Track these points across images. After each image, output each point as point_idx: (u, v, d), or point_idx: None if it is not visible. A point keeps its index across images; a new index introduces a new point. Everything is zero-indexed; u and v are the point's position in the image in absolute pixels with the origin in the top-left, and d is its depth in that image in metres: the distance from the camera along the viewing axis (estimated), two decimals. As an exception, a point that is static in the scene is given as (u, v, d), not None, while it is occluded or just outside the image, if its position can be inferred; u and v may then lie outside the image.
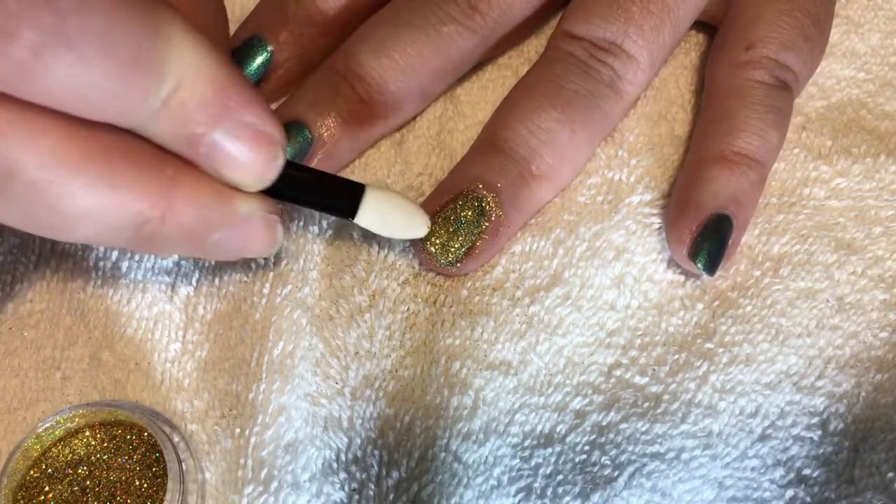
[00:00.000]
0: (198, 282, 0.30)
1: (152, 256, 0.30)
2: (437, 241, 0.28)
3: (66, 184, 0.19)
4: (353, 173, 0.32)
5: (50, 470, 0.26)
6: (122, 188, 0.20)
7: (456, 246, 0.28)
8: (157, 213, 0.21)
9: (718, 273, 0.30)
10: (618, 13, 0.30)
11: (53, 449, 0.27)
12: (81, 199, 0.20)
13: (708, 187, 0.28)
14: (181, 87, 0.20)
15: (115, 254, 0.30)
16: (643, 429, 0.28)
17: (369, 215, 0.26)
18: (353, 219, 0.26)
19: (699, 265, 0.28)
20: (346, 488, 0.27)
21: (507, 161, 0.29)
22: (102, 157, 0.20)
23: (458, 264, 0.29)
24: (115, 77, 0.19)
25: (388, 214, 0.26)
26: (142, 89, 0.19)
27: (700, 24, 0.34)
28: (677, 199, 0.30)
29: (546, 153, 0.29)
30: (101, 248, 0.30)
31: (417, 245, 0.29)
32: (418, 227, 0.27)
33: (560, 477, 0.27)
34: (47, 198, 0.19)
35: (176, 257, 0.30)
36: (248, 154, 0.22)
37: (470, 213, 0.28)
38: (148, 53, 0.19)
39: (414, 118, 0.33)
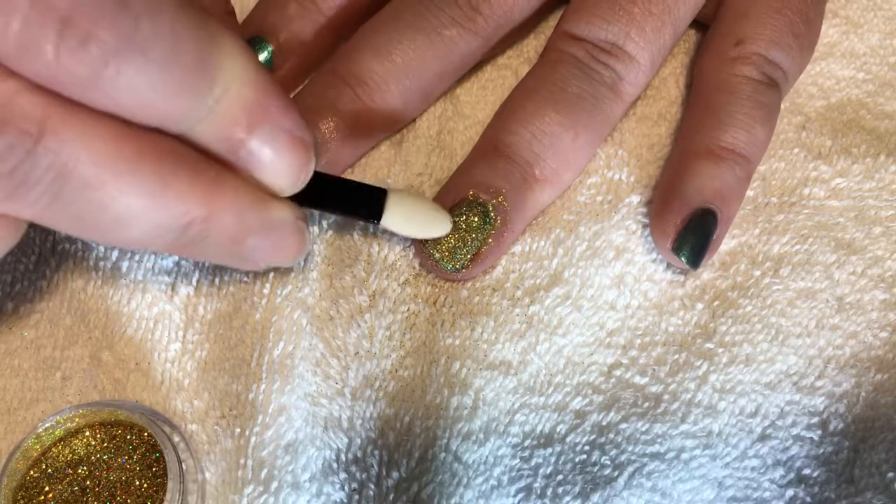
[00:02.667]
0: (198, 282, 0.30)
1: (152, 256, 0.30)
2: (444, 248, 0.28)
3: (120, 182, 0.19)
4: (352, 173, 0.32)
5: (50, 470, 0.26)
6: (171, 187, 0.20)
7: (462, 252, 0.28)
8: (202, 212, 0.21)
9: (718, 273, 0.30)
10: (619, 14, 0.29)
11: (53, 449, 0.27)
12: (133, 198, 0.20)
13: (693, 182, 0.29)
14: (228, 93, 0.20)
15: (115, 253, 0.30)
16: (643, 429, 0.28)
17: (394, 218, 0.27)
18: (378, 223, 0.27)
19: (682, 259, 0.28)
20: (346, 488, 0.27)
21: (510, 166, 0.29)
22: (153, 157, 0.20)
23: (464, 270, 0.29)
24: (177, 82, 0.19)
25: (411, 215, 0.27)
26: (197, 94, 0.20)
27: (700, 25, 0.34)
28: (663, 192, 0.30)
29: (549, 157, 0.29)
30: (102, 248, 0.30)
31: (423, 252, 0.29)
32: (440, 225, 0.28)
33: (560, 477, 0.27)
34: (100, 197, 0.19)
35: (176, 257, 0.30)
36: (284, 158, 0.22)
37: (476, 219, 0.28)
38: (206, 59, 0.20)
39: (414, 119, 0.33)
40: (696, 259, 0.29)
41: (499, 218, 0.28)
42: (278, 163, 0.22)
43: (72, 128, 0.19)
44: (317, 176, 0.25)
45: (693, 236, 0.28)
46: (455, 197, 0.29)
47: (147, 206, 0.20)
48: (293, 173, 0.23)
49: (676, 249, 0.28)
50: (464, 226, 0.28)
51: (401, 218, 0.27)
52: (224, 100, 0.20)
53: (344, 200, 0.26)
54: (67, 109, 0.19)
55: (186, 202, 0.21)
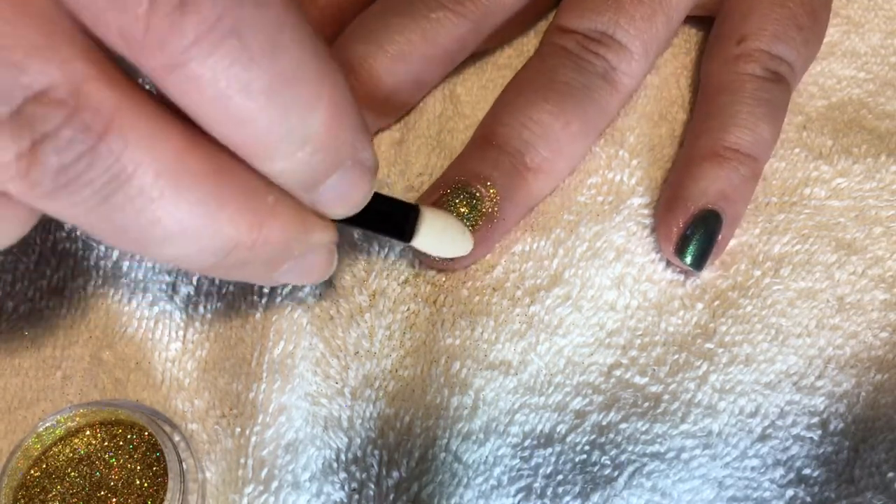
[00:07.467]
0: (198, 281, 0.30)
1: (153, 256, 0.30)
2: None
3: (178, 197, 0.18)
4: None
5: (51, 469, 0.27)
6: (227, 210, 0.18)
7: None
8: (249, 240, 0.19)
9: (718, 273, 0.30)
10: (608, 4, 0.30)
11: (54, 448, 0.27)
12: (186, 216, 0.18)
13: (697, 183, 0.28)
14: (329, 122, 0.18)
15: (115, 253, 0.30)
16: (643, 429, 0.28)
17: (425, 240, 0.26)
18: (408, 243, 0.26)
19: (686, 261, 0.28)
20: (346, 488, 0.27)
21: (500, 154, 0.29)
22: (217, 175, 0.18)
23: (453, 259, 0.29)
24: (272, 88, 0.17)
25: (441, 237, 0.26)
26: (292, 112, 0.18)
27: (701, 23, 0.34)
28: (667, 195, 0.30)
29: (540, 145, 0.29)
30: (102, 247, 0.30)
31: None
32: (465, 246, 0.27)
33: (560, 477, 0.27)
34: (152, 210, 0.18)
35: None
36: (357, 190, 0.21)
37: (463, 207, 0.28)
38: (307, 70, 0.17)
39: (410, 112, 0.32)
40: (700, 261, 0.29)
41: (488, 205, 0.28)
42: (350, 195, 0.21)
43: (139, 129, 0.17)
44: None
45: (696, 238, 0.28)
46: (445, 187, 0.28)
47: (199, 226, 0.18)
48: (357, 204, 0.21)
49: (680, 251, 0.28)
50: (453, 214, 0.28)
51: (430, 240, 0.26)
52: (318, 132, 0.18)
53: (379, 218, 0.25)
54: (137, 106, 0.17)
55: (238, 227, 0.19)
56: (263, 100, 0.17)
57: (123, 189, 0.17)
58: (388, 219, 0.25)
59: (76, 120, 0.16)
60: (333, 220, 0.22)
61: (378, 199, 0.24)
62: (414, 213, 0.25)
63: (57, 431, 0.27)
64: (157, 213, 0.18)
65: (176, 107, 0.17)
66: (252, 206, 0.19)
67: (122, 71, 0.17)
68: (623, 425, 0.28)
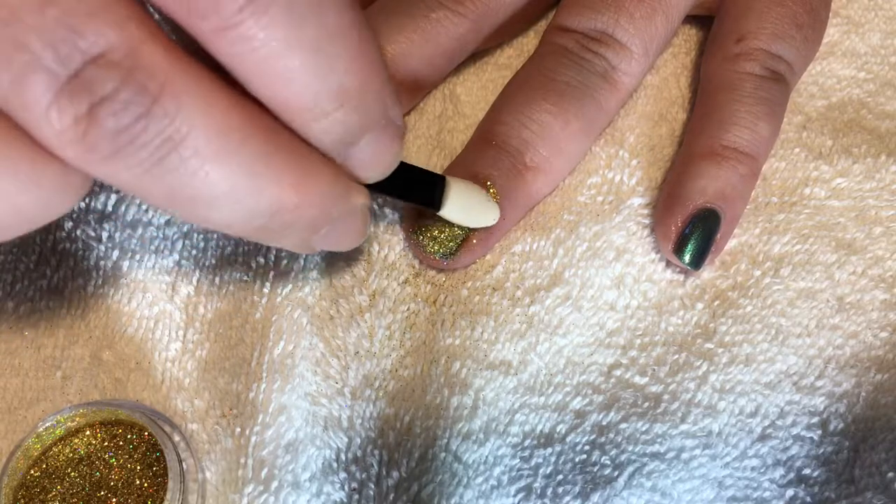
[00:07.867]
0: (198, 281, 0.30)
1: (153, 255, 0.30)
2: (430, 234, 0.28)
3: (228, 159, 0.18)
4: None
5: (50, 469, 0.27)
6: (274, 171, 0.19)
7: (449, 239, 0.28)
8: (293, 201, 0.20)
9: (718, 273, 0.30)
10: (608, 3, 0.30)
11: (54, 448, 0.27)
12: (236, 177, 0.18)
13: (696, 182, 0.29)
14: (366, 78, 0.19)
15: (115, 253, 0.30)
16: (643, 429, 0.28)
17: (454, 208, 0.26)
18: (437, 211, 0.26)
19: (684, 259, 0.28)
20: (346, 488, 0.27)
21: (499, 153, 0.29)
22: (263, 135, 0.19)
23: (452, 257, 0.29)
24: (319, 45, 0.17)
25: (469, 206, 0.27)
26: (336, 68, 0.18)
27: (701, 23, 0.34)
28: (666, 193, 0.30)
29: (539, 145, 0.29)
30: (102, 247, 0.30)
31: (411, 239, 0.29)
32: (493, 215, 0.28)
33: (560, 477, 0.27)
34: (204, 171, 0.18)
35: (176, 256, 0.30)
36: (388, 151, 0.21)
37: None
38: (347, 27, 0.18)
39: (410, 112, 0.32)
40: (698, 260, 0.29)
41: None
42: (380, 157, 0.21)
43: (191, 91, 0.17)
44: None
45: (695, 237, 0.28)
46: None
47: (247, 187, 0.18)
48: (389, 165, 0.22)
49: (678, 250, 0.28)
50: None
51: (459, 209, 0.27)
52: (357, 89, 0.19)
53: (406, 185, 0.25)
54: (188, 69, 0.17)
55: (284, 188, 0.19)
56: (311, 57, 0.17)
57: (177, 151, 0.17)
58: (417, 187, 0.26)
59: (132, 82, 0.16)
60: (366, 186, 0.23)
61: (406, 167, 0.25)
62: (442, 182, 0.26)
63: (57, 431, 0.27)
64: (209, 174, 0.18)
65: (218, 70, 0.18)
66: (296, 168, 0.19)
67: (168, 34, 0.17)
68: (623, 425, 0.28)
